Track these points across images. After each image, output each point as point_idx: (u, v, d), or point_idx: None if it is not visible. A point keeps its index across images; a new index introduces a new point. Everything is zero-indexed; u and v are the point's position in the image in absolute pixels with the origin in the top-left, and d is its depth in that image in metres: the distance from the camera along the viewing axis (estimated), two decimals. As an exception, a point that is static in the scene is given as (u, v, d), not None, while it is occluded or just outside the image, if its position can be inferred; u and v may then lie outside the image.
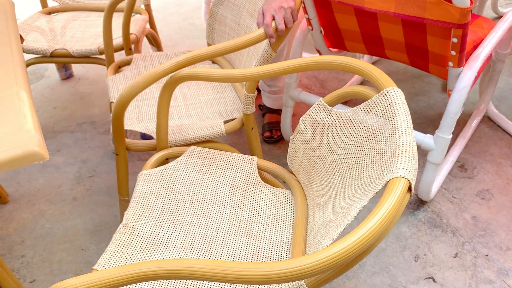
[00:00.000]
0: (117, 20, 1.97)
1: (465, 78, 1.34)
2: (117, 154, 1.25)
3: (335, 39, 1.60)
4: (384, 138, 0.76)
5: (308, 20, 1.54)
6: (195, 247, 0.97)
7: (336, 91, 0.96)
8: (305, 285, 0.68)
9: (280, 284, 0.89)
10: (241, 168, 1.16)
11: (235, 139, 1.94)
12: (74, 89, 2.30)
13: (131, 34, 1.78)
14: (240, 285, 0.89)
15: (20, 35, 1.31)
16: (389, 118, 0.76)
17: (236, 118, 1.35)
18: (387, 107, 0.78)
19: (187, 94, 1.49)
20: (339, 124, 0.92)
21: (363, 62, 0.87)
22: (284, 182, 1.18)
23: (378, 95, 0.81)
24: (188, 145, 1.27)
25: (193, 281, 0.90)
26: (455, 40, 1.23)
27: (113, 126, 1.17)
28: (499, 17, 2.78)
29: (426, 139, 1.43)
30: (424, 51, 1.38)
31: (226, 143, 1.35)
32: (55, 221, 1.59)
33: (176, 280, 0.90)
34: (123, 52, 1.76)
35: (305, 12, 1.52)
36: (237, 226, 1.02)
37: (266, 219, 1.04)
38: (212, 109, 1.43)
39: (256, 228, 1.02)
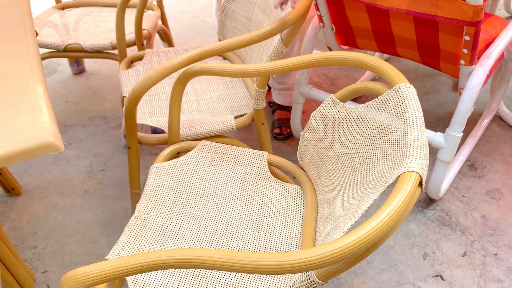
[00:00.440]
0: (130, 15, 1.98)
1: (476, 77, 1.33)
2: (129, 148, 1.26)
3: (347, 37, 1.61)
4: (396, 133, 0.77)
5: (320, 17, 1.54)
6: (205, 240, 0.98)
7: (347, 87, 0.97)
8: (315, 276, 0.69)
9: (290, 276, 0.90)
10: (251, 163, 1.17)
11: (245, 135, 1.95)
12: (86, 84, 2.32)
13: (143, 29, 1.80)
14: (250, 275, 0.90)
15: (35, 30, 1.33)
16: (401, 114, 0.77)
17: (246, 113, 1.36)
18: (399, 103, 0.79)
19: (198, 89, 1.51)
20: (350, 119, 0.93)
21: (375, 58, 0.88)
22: (294, 178, 1.18)
23: (390, 91, 0.82)
24: (199, 139, 1.29)
25: (202, 271, 0.91)
26: (467, 38, 1.23)
27: (126, 119, 1.18)
28: (512, 16, 2.76)
29: (436, 137, 1.43)
30: (435, 49, 1.37)
31: (237, 139, 1.36)
32: (66, 213, 1.61)
33: (186, 270, 0.91)
34: (135, 47, 1.77)
35: (317, 9, 1.52)
36: (247, 220, 1.03)
37: (275, 214, 1.05)
38: (223, 104, 1.44)
39: (265, 222, 1.03)
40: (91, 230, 1.54)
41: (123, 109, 1.18)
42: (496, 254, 1.42)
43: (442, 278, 1.36)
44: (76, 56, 1.85)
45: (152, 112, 1.40)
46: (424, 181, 0.65)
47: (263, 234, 1.00)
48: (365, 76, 2.19)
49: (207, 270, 0.91)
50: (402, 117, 0.76)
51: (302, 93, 1.70)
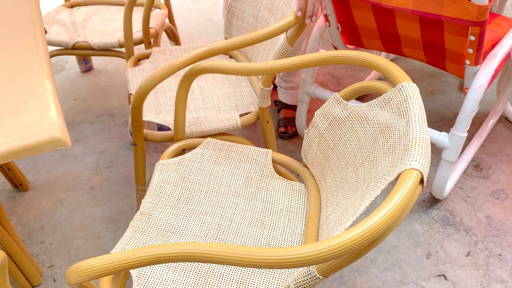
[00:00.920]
0: (137, 14, 2.00)
1: (482, 77, 1.33)
2: (135, 144, 1.28)
3: (352, 36, 1.61)
4: (398, 132, 0.77)
5: (326, 16, 1.55)
6: (209, 236, 0.99)
7: (351, 86, 0.98)
8: (316, 271, 0.70)
9: (291, 271, 0.91)
10: (256, 160, 1.18)
11: (250, 133, 1.96)
12: (94, 82, 2.34)
13: (150, 28, 1.81)
14: (252, 270, 0.91)
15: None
16: (403, 112, 0.77)
17: (251, 111, 1.37)
18: (401, 102, 0.79)
19: (204, 87, 1.52)
20: (353, 118, 0.94)
21: (379, 57, 0.88)
22: (298, 176, 1.19)
23: (393, 89, 0.83)
24: (204, 137, 1.30)
25: (206, 266, 0.92)
26: (472, 38, 1.23)
27: (132, 116, 1.20)
28: (520, 17, 2.75)
29: (441, 137, 1.43)
30: (441, 48, 1.38)
31: (242, 137, 1.37)
32: (73, 209, 1.63)
33: (190, 265, 0.92)
34: (142, 45, 1.79)
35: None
36: (250, 217, 1.04)
37: (279, 211, 1.06)
38: (228, 102, 1.45)
39: (269, 219, 1.04)
40: (97, 225, 1.56)
41: (130, 106, 1.20)
42: (500, 255, 1.42)
43: (445, 278, 1.36)
44: (84, 53, 1.87)
45: (158, 110, 1.41)
46: (425, 179, 0.65)
47: (267, 231, 1.01)
48: (370, 76, 2.19)
49: (211, 265, 0.92)
50: (405, 116, 0.77)
51: (308, 92, 1.71)
